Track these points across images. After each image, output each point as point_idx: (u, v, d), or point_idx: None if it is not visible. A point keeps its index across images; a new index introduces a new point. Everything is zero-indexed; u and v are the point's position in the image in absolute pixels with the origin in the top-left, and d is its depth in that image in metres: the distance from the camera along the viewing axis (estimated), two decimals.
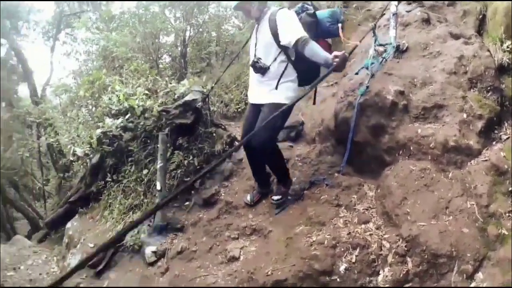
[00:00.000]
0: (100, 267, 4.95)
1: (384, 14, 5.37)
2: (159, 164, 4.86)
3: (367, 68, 4.57)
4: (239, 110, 6.80)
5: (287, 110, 3.68)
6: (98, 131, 5.45)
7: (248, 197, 4.65)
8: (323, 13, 4.20)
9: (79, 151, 5.90)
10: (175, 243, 4.68)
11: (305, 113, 5.75)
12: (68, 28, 15.07)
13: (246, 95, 6.79)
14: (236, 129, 5.97)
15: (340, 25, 4.15)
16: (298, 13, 4.09)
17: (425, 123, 4.12)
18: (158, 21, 7.96)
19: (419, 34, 4.93)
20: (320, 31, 4.11)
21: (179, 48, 8.68)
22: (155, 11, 8.35)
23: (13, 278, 6.15)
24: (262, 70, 3.94)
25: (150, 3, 8.43)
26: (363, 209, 3.89)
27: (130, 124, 5.46)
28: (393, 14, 4.80)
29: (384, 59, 4.66)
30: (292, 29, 3.72)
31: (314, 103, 4.61)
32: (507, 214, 3.28)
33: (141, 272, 4.58)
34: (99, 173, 5.96)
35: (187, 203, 5.16)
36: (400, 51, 4.81)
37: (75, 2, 14.65)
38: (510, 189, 3.41)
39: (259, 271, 3.64)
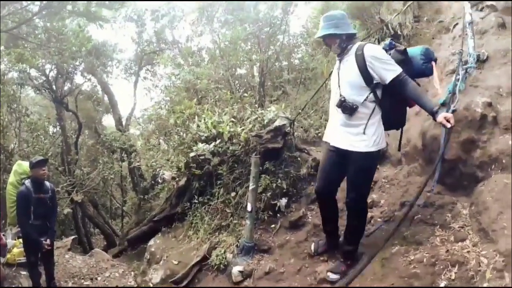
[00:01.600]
0: (184, 283, 5.46)
1: (458, 23, 5.52)
2: (251, 186, 5.35)
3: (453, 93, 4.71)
4: (318, 134, 7.18)
5: (378, 156, 3.95)
6: (192, 154, 6.10)
7: (312, 247, 4.80)
8: (415, 50, 4.08)
9: (167, 175, 6.60)
10: (262, 264, 5.11)
11: (388, 133, 5.98)
12: (148, 65, 17.18)
13: (326, 120, 7.18)
14: (317, 154, 6.31)
15: (434, 63, 4.08)
16: (386, 50, 3.98)
17: None
18: (240, 53, 8.63)
19: (498, 41, 5.03)
20: (412, 70, 3.93)
21: (257, 79, 9.31)
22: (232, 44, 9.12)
23: None
24: (351, 110, 3.81)
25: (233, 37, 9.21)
26: (458, 227, 4.08)
27: (219, 149, 6.06)
28: (469, 23, 4.91)
29: (467, 73, 4.80)
30: (388, 64, 3.69)
31: (399, 150, 4.73)
32: None
33: None
34: (185, 195, 6.63)
35: (273, 225, 5.58)
36: (481, 61, 4.92)
37: (153, 42, 16.45)
38: None
39: None
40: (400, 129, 4.44)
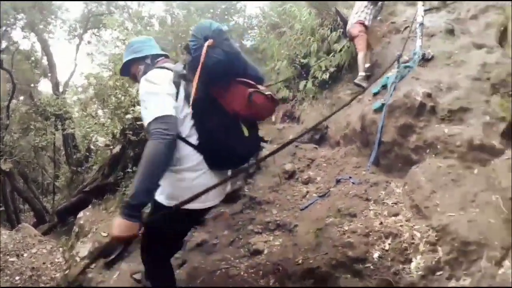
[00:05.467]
0: (112, 256, 5.04)
1: (409, 26, 5.82)
2: None
3: (384, 87, 4.95)
4: None
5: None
6: (129, 116, 5.73)
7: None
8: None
9: (101, 141, 6.17)
10: (195, 236, 4.87)
11: (328, 118, 6.09)
12: (94, 29, 16.00)
13: None
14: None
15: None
16: None
17: (451, 124, 4.44)
18: (191, 21, 8.34)
19: (444, 44, 5.35)
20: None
21: None
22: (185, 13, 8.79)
23: (14, 265, 6.30)
24: None
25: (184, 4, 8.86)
26: (392, 203, 4.13)
27: None
28: (420, 24, 5.24)
29: (410, 67, 5.05)
30: (144, 109, 2.44)
31: None
32: None
33: None
34: (119, 164, 6.20)
35: None
36: (426, 60, 5.21)
37: (103, 3, 15.27)
38: None
39: (287, 262, 3.83)
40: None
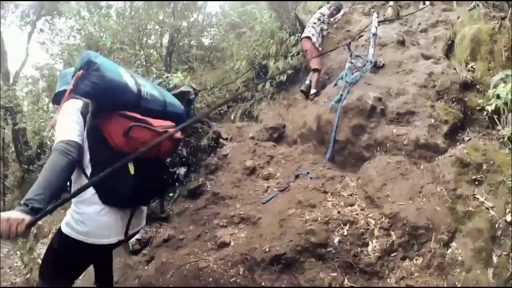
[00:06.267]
0: None
1: (363, 35, 6.33)
2: None
3: (342, 79, 5.39)
4: (221, 111, 7.38)
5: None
6: None
7: None
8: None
9: None
10: (160, 232, 4.99)
11: (285, 118, 6.45)
12: (48, 16, 14.97)
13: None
14: (219, 128, 6.46)
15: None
16: None
17: (399, 125, 4.93)
18: (152, 13, 8.35)
19: (395, 54, 5.88)
20: None
21: (166, 47, 9.08)
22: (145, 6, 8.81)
23: None
24: None
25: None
26: (347, 195, 4.50)
27: None
28: (373, 34, 5.74)
29: (362, 72, 5.52)
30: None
31: None
32: (471, 196, 4.06)
33: (123, 261, 4.77)
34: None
35: (171, 194, 5.53)
36: (377, 67, 5.71)
37: None
38: (473, 177, 4.24)
39: (254, 251, 4.05)
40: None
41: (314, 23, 6.89)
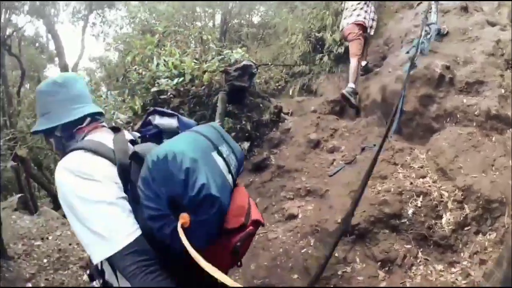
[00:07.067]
0: None
1: (421, 3, 6.19)
2: (217, 123, 5.28)
3: (415, 47, 5.26)
4: (278, 87, 7.48)
5: None
6: (154, 89, 5.86)
7: None
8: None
9: (122, 118, 6.29)
10: None
11: None
12: (99, 10, 15.57)
13: (286, 73, 7.50)
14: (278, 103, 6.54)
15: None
16: None
17: (469, 95, 4.86)
18: None
19: (458, 20, 5.70)
20: None
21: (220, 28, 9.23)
22: None
23: (41, 248, 6.31)
24: None
25: None
26: (418, 167, 4.51)
27: (181, 89, 5.91)
28: (435, 0, 5.59)
29: (428, 40, 5.41)
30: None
31: None
32: None
33: None
34: None
35: None
36: (441, 35, 5.57)
37: None
38: None
39: (325, 222, 4.19)
40: None
41: (365, 4, 6.16)
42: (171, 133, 1.69)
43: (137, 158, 1.44)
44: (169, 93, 5.91)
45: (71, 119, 1.71)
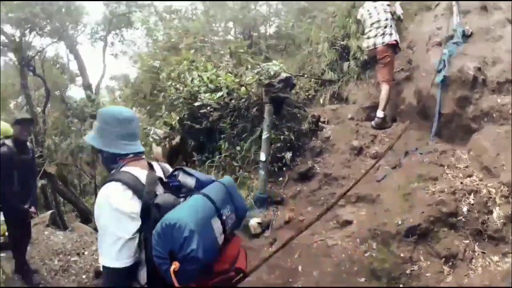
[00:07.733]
0: None
1: (439, 4, 6.48)
2: (264, 135, 5.56)
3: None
4: (309, 96, 7.81)
5: None
6: (197, 103, 6.11)
7: None
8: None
9: (159, 132, 6.54)
10: (279, 214, 5.41)
11: (377, 96, 6.64)
12: (117, 29, 16.41)
13: (315, 83, 7.78)
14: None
15: None
16: None
17: (501, 95, 5.17)
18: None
19: (479, 20, 5.95)
20: None
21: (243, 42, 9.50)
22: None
23: (78, 264, 6.60)
24: None
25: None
26: (463, 167, 4.87)
27: (221, 102, 6.15)
28: (455, 1, 5.88)
29: (456, 45, 5.72)
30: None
31: None
32: None
33: (245, 245, 5.03)
34: (179, 155, 6.64)
35: (281, 178, 5.96)
36: (465, 36, 5.86)
37: (123, 3, 15.57)
38: None
39: (385, 226, 4.47)
40: None
41: (390, 20, 6.40)
42: (189, 190, 2.20)
43: (158, 207, 1.96)
44: (209, 107, 6.17)
45: (118, 152, 2.22)
